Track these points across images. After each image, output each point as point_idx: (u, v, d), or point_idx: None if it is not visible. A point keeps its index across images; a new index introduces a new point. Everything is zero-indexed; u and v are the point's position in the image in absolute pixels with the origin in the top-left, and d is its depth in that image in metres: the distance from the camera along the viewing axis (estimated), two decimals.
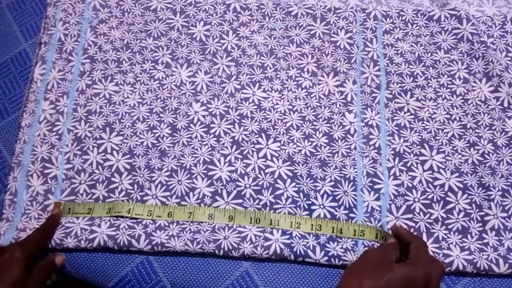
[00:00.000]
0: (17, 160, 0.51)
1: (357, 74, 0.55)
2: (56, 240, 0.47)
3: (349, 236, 0.47)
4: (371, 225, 0.48)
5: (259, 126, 0.53)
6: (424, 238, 0.48)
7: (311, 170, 0.51)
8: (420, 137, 0.52)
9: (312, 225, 0.48)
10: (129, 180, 0.50)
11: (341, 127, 0.53)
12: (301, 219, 0.48)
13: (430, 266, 0.40)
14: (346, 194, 0.50)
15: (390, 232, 0.48)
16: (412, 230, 0.48)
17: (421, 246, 0.42)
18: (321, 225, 0.48)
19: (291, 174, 0.51)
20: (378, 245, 0.47)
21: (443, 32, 0.57)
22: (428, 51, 0.56)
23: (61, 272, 0.48)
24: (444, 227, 0.48)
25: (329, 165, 0.51)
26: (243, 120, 0.53)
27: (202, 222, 0.48)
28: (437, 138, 0.52)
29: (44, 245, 0.46)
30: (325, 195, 0.50)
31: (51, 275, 0.45)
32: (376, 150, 0.52)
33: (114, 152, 0.52)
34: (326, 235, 0.48)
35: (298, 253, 0.47)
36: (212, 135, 0.52)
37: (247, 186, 0.50)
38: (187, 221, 0.48)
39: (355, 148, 0.52)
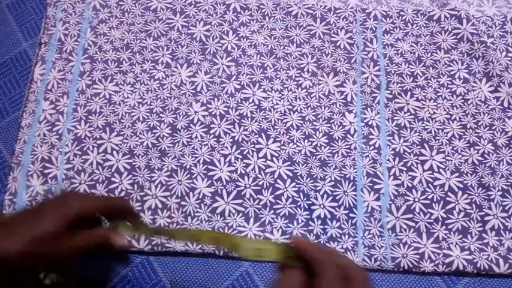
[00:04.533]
0: (17, 160, 0.51)
1: (357, 74, 0.55)
2: None
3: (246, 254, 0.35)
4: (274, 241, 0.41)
5: (259, 126, 0.53)
6: (424, 238, 0.48)
7: (311, 170, 0.51)
8: (420, 137, 0.52)
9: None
10: (129, 180, 0.50)
11: (341, 127, 0.53)
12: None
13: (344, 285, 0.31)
14: (346, 194, 0.50)
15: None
16: (411, 230, 0.48)
17: (326, 267, 0.31)
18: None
19: (291, 174, 0.51)
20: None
21: (443, 32, 0.57)
22: (428, 51, 0.56)
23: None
24: (444, 227, 0.48)
25: (329, 165, 0.51)
26: (243, 120, 0.53)
27: (201, 222, 0.48)
28: (437, 138, 0.52)
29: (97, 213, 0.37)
30: (325, 195, 0.50)
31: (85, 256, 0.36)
32: (376, 150, 0.52)
33: (114, 152, 0.52)
34: (326, 235, 0.48)
35: None
36: (212, 135, 0.52)
37: (247, 186, 0.50)
38: (187, 222, 0.48)
39: (355, 148, 0.52)
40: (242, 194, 0.50)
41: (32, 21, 0.59)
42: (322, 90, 0.54)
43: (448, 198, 0.50)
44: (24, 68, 0.57)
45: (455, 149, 0.52)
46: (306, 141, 0.52)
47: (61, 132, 0.52)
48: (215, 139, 0.52)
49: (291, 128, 0.53)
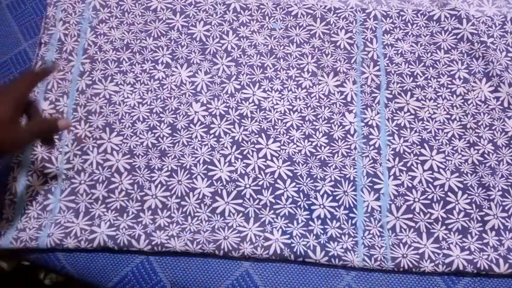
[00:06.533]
0: (17, 160, 0.51)
1: (357, 74, 0.55)
2: (55, 240, 0.47)
3: None
4: None
5: (259, 126, 0.53)
6: (424, 238, 0.48)
7: (311, 170, 0.51)
8: (420, 137, 0.52)
9: None
10: (129, 180, 0.50)
11: (341, 127, 0.53)
12: None
13: None
14: (346, 194, 0.50)
15: None
16: (411, 230, 0.48)
17: None
18: None
19: (291, 174, 0.51)
20: None
21: (443, 32, 0.57)
22: (428, 51, 0.56)
23: (61, 272, 0.48)
24: (444, 227, 0.48)
25: (329, 165, 0.51)
26: (243, 120, 0.53)
27: (201, 222, 0.48)
28: (437, 138, 0.52)
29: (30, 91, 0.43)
30: (325, 195, 0.50)
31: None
32: (376, 150, 0.52)
33: (114, 152, 0.51)
34: (326, 235, 0.48)
35: (298, 253, 0.47)
36: (212, 135, 0.52)
37: (247, 186, 0.50)
38: (186, 222, 0.48)
39: (355, 148, 0.52)
40: (242, 194, 0.50)
41: (32, 21, 0.59)
42: (322, 90, 0.54)
43: (448, 198, 0.50)
44: (24, 68, 0.57)
45: (455, 149, 0.52)
46: (306, 141, 0.52)
47: (61, 132, 0.52)
48: (215, 139, 0.52)
49: (291, 128, 0.53)
